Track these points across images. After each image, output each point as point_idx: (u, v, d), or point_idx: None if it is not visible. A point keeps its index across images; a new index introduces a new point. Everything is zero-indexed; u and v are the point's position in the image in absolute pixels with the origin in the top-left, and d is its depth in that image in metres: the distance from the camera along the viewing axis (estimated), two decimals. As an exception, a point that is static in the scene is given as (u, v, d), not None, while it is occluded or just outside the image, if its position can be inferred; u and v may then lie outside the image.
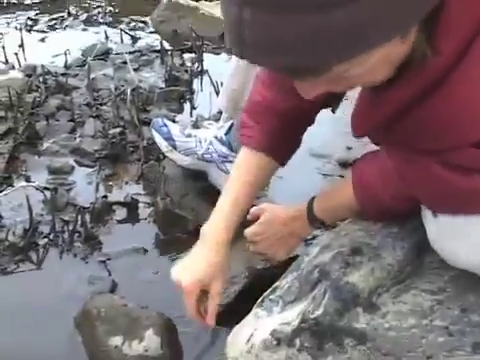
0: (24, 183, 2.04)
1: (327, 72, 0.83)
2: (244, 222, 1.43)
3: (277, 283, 1.29)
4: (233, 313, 1.42)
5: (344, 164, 2.12)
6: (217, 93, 2.52)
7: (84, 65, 2.86)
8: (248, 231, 1.49)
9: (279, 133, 1.37)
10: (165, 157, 1.99)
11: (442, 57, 0.89)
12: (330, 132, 2.22)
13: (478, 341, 1.11)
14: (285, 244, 1.48)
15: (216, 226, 1.34)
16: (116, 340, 1.44)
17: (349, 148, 2.19)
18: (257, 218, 1.49)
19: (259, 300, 1.29)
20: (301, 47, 0.78)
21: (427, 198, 1.13)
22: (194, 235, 1.78)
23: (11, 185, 2.07)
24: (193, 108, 2.60)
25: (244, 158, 1.40)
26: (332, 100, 1.18)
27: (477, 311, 1.14)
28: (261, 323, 1.25)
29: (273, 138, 1.37)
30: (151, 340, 1.44)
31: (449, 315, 1.15)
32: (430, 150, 1.02)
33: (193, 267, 1.31)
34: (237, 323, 1.30)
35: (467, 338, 1.11)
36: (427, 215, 1.17)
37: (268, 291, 1.29)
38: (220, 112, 2.04)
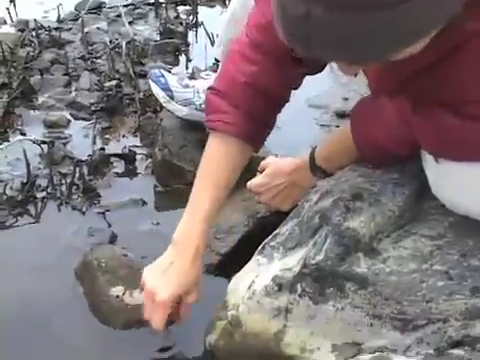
0: (20, 137, 2.03)
1: (387, 60, 0.88)
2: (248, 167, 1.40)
3: (278, 230, 1.29)
4: (234, 261, 1.43)
5: (341, 115, 2.12)
6: (212, 44, 2.51)
7: (77, 19, 2.83)
8: (253, 182, 1.49)
9: (262, 116, 1.31)
10: (162, 109, 1.97)
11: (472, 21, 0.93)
12: (327, 83, 2.22)
13: (477, 285, 1.12)
14: (289, 195, 1.48)
15: (191, 234, 1.29)
16: (117, 290, 1.45)
17: (346, 99, 2.19)
18: (263, 170, 1.50)
19: (260, 247, 1.29)
20: (369, 42, 0.83)
21: (432, 145, 1.14)
22: (192, 186, 1.83)
23: (7, 140, 2.06)
24: (189, 60, 2.58)
25: (217, 149, 1.31)
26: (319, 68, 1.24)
27: (476, 256, 1.15)
28: (262, 270, 1.25)
29: (256, 123, 1.30)
30: (152, 289, 1.44)
31: (449, 260, 1.15)
32: (447, 103, 1.05)
33: (169, 279, 1.26)
34: (238, 271, 1.30)
35: (466, 282, 1.12)
36: (428, 161, 1.18)
37: (269, 238, 1.29)
38: (216, 63, 2.02)
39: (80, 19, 2.75)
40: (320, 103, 2.21)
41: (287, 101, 1.35)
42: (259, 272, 1.25)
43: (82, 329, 1.44)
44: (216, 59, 1.99)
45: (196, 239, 1.27)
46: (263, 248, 1.29)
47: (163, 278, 1.26)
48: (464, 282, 1.12)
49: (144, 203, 1.82)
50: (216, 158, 1.31)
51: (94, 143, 2.04)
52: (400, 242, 1.19)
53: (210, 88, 1.34)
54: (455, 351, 1.07)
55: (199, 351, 1.35)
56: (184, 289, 1.26)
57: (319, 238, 1.19)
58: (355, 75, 1.10)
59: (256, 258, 1.28)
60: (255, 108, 1.29)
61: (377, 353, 1.11)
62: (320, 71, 1.29)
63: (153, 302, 1.25)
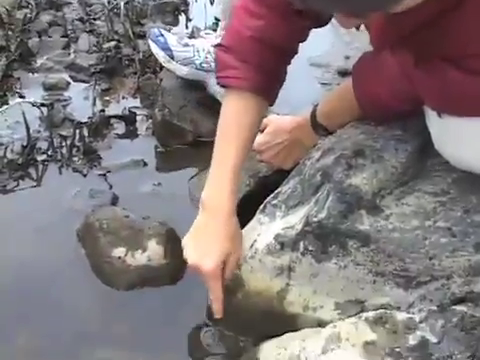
0: (19, 100, 2.01)
1: (386, 11, 0.87)
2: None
3: (279, 189, 1.28)
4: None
5: (343, 73, 2.10)
6: (212, 3, 2.47)
7: (74, -20, 2.78)
8: (255, 141, 1.47)
9: (272, 69, 1.28)
10: (162, 69, 1.95)
11: None
12: (329, 41, 2.20)
13: (480, 241, 1.10)
14: (291, 153, 1.48)
15: (220, 195, 1.24)
16: (119, 251, 1.44)
17: (347, 57, 2.16)
18: (264, 129, 1.48)
19: (262, 206, 1.29)
20: None
21: (435, 100, 1.12)
22: (193, 146, 1.83)
23: (6, 103, 2.03)
24: (188, 20, 2.56)
25: (235, 105, 1.27)
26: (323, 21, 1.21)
27: (479, 212, 1.14)
28: (264, 228, 1.25)
29: (267, 76, 1.27)
30: (154, 250, 1.44)
31: (452, 216, 1.14)
32: (449, 57, 1.03)
33: (210, 247, 1.21)
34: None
35: (469, 239, 1.11)
36: (431, 117, 1.16)
37: (270, 197, 1.29)
38: (216, 22, 1.99)
39: (77, -20, 2.70)
40: (322, 62, 2.18)
41: (296, 53, 1.32)
42: (261, 231, 1.25)
43: (84, 291, 1.44)
44: (216, 18, 1.96)
45: (227, 200, 1.24)
46: (265, 207, 1.28)
47: (202, 249, 1.22)
48: (467, 239, 1.11)
49: (145, 164, 1.81)
50: (234, 114, 1.27)
51: (94, 105, 2.02)
52: (403, 199, 1.17)
53: (217, 45, 1.32)
54: (458, 307, 1.07)
55: (202, 310, 1.35)
56: (226, 253, 1.22)
57: (321, 196, 1.18)
58: (357, 28, 1.08)
59: (258, 217, 1.28)
60: (264, 61, 1.26)
61: (380, 310, 1.10)
62: (325, 24, 1.26)
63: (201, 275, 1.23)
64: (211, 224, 1.23)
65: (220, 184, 1.25)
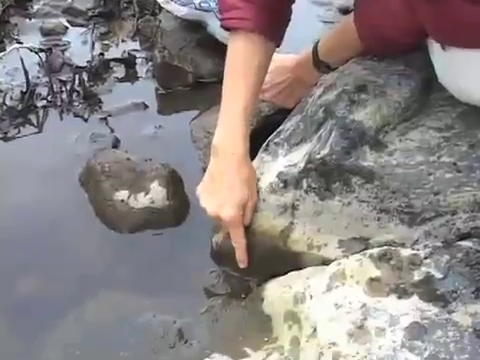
0: (17, 45, 1.97)
1: None
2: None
3: (281, 126, 1.26)
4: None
5: (345, 11, 2.08)
6: None
7: None
8: None
9: (277, 8, 1.25)
10: (161, 10, 1.92)
11: None
12: (330, -21, 2.17)
13: (486, 176, 1.09)
14: (293, 92, 1.46)
15: (233, 140, 1.22)
16: (122, 194, 1.43)
17: (349, -5, 2.13)
18: None
19: (264, 145, 1.27)
20: None
21: (438, 30, 1.08)
22: (194, 88, 1.81)
23: (4, 49, 2.01)
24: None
25: (241, 48, 1.24)
26: None
27: (485, 147, 1.12)
28: (267, 167, 1.24)
29: (271, 15, 1.23)
30: (157, 192, 1.42)
31: (457, 151, 1.12)
32: None
33: (228, 195, 1.20)
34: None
35: (475, 173, 1.09)
36: (435, 50, 1.13)
37: (273, 135, 1.27)
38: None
39: None
40: (323, 0, 2.16)
41: None
42: (264, 170, 1.24)
43: (88, 235, 1.43)
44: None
45: (240, 145, 1.22)
46: (267, 145, 1.26)
47: (219, 197, 1.21)
48: (472, 174, 1.09)
49: (146, 106, 1.79)
50: (240, 57, 1.24)
51: (93, 49, 1.99)
52: (407, 134, 1.15)
53: None
54: (463, 243, 1.05)
55: (206, 251, 1.34)
56: (244, 199, 1.20)
57: (324, 132, 1.16)
58: None
59: (260, 156, 1.26)
60: (268, 0, 1.24)
61: (385, 247, 1.09)
62: None
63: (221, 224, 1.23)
64: (226, 171, 1.22)
65: (232, 128, 1.23)
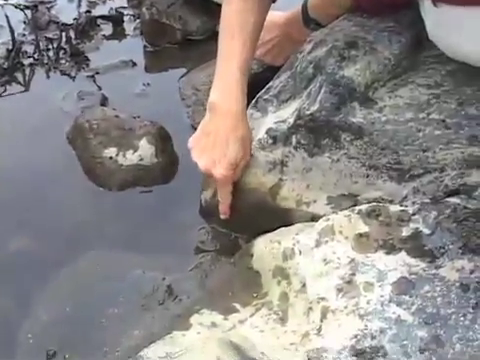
0: (1, 2, 1.94)
1: None
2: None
3: (271, 83, 1.26)
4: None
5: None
6: None
7: None
8: None
9: None
10: (148, -35, 1.88)
11: None
12: None
13: (474, 134, 1.08)
14: (282, 50, 1.45)
15: (230, 98, 1.20)
16: (110, 151, 1.42)
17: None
18: None
19: (253, 101, 1.26)
20: None
21: None
22: (182, 45, 1.80)
23: (-12, 7, 1.98)
24: None
25: (236, 5, 1.22)
26: None
27: (474, 104, 1.11)
28: (256, 124, 1.23)
29: None
30: (145, 149, 1.42)
31: (446, 109, 1.12)
32: None
33: (221, 153, 1.18)
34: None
35: (463, 131, 1.09)
36: (426, 7, 1.11)
37: (262, 91, 1.26)
38: None
39: None
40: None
41: None
42: (253, 126, 1.23)
43: (77, 193, 1.42)
44: None
45: (236, 102, 1.20)
46: (256, 102, 1.26)
47: (212, 153, 1.19)
48: (461, 131, 1.09)
49: (134, 64, 1.77)
50: (236, 14, 1.22)
51: (79, 6, 1.97)
52: (396, 91, 1.15)
53: None
54: (451, 199, 1.05)
55: (194, 208, 1.34)
56: (237, 158, 1.19)
57: (313, 88, 1.16)
58: None
59: (250, 112, 1.25)
60: None
61: (373, 203, 1.08)
62: None
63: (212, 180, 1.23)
64: (221, 128, 1.19)
65: (229, 86, 1.20)
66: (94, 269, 1.25)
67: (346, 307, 0.93)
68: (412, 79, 1.16)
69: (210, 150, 1.19)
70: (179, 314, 1.11)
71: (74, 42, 1.82)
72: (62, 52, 1.80)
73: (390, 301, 0.92)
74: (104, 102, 1.63)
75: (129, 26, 1.91)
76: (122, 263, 1.26)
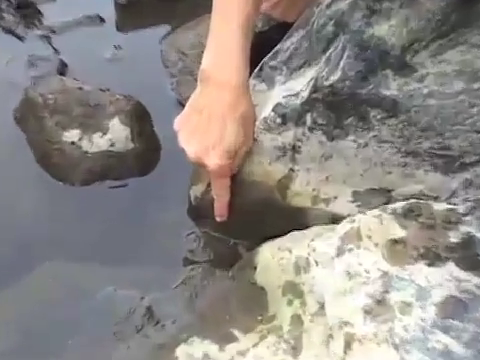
0: None
1: None
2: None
3: (279, 45, 1.26)
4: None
5: None
6: None
7: None
8: None
9: None
10: None
11: None
12: None
13: None
14: (294, 2, 1.47)
15: (229, 63, 1.19)
16: (72, 134, 1.43)
17: None
18: None
19: (256, 69, 1.27)
20: None
21: None
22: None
23: None
24: None
25: None
26: None
27: None
28: (261, 98, 1.24)
29: None
30: (117, 131, 1.44)
31: (508, 76, 1.12)
32: None
33: (218, 138, 1.18)
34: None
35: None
36: None
37: (267, 57, 1.27)
38: None
39: None
40: None
41: None
42: (257, 101, 1.24)
43: (28, 188, 1.44)
44: None
45: (237, 71, 1.20)
46: (260, 70, 1.27)
47: (206, 139, 1.19)
48: (526, 105, 1.10)
49: (101, 20, 1.80)
50: None
51: None
52: (442, 55, 1.14)
53: None
54: (514, 195, 1.07)
55: (181, 208, 1.36)
56: (236, 145, 1.20)
57: (334, 52, 1.15)
58: None
59: (252, 83, 1.26)
60: None
61: (412, 201, 1.09)
62: None
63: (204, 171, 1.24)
64: (217, 105, 1.20)
65: (226, 49, 1.20)
66: (51, 286, 1.26)
67: (376, 335, 0.94)
68: (464, 38, 1.16)
69: (202, 133, 1.20)
70: (162, 344, 1.11)
71: (22, -10, 1.84)
72: (6, 4, 1.82)
73: (434, 327, 0.92)
74: (63, 70, 1.65)
75: (95, -31, 1.93)
76: (88, 278, 1.27)
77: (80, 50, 1.70)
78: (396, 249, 1.02)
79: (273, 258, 1.11)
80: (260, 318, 1.08)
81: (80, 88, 1.48)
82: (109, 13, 1.81)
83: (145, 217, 1.37)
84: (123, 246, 1.32)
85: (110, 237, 1.34)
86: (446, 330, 0.91)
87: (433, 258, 1.00)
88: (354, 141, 1.16)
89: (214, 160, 1.19)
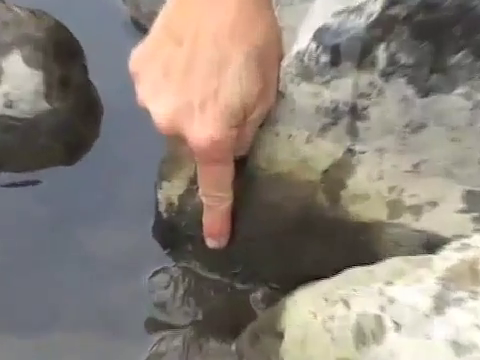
0: None
1: None
2: None
3: None
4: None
5: None
6: None
7: None
8: None
9: None
10: None
11: None
12: None
13: None
14: None
15: None
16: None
17: None
18: None
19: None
20: None
21: None
22: None
23: None
24: None
25: None
26: None
27: None
28: (291, 16, 1.28)
29: None
30: (20, 78, 1.48)
31: None
32: None
33: (213, 83, 1.16)
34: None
35: None
36: None
37: None
38: None
39: None
40: None
41: None
42: (283, 22, 1.24)
43: None
44: None
45: None
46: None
47: (184, 88, 1.18)
48: None
49: None
50: None
51: None
52: None
53: None
54: None
55: (142, 225, 1.41)
56: (246, 99, 1.17)
57: None
58: None
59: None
60: None
61: None
62: None
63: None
64: (209, 24, 1.17)
65: None
66: None
67: None
68: None
69: (182, 78, 1.16)
70: None
71: None
72: None
73: None
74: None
75: None
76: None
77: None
78: None
79: (315, 317, 1.08)
80: None
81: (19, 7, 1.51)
82: None
83: (76, 242, 1.40)
84: (35, 299, 1.35)
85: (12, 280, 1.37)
86: None
87: None
88: (467, 96, 1.11)
89: (204, 130, 1.15)
